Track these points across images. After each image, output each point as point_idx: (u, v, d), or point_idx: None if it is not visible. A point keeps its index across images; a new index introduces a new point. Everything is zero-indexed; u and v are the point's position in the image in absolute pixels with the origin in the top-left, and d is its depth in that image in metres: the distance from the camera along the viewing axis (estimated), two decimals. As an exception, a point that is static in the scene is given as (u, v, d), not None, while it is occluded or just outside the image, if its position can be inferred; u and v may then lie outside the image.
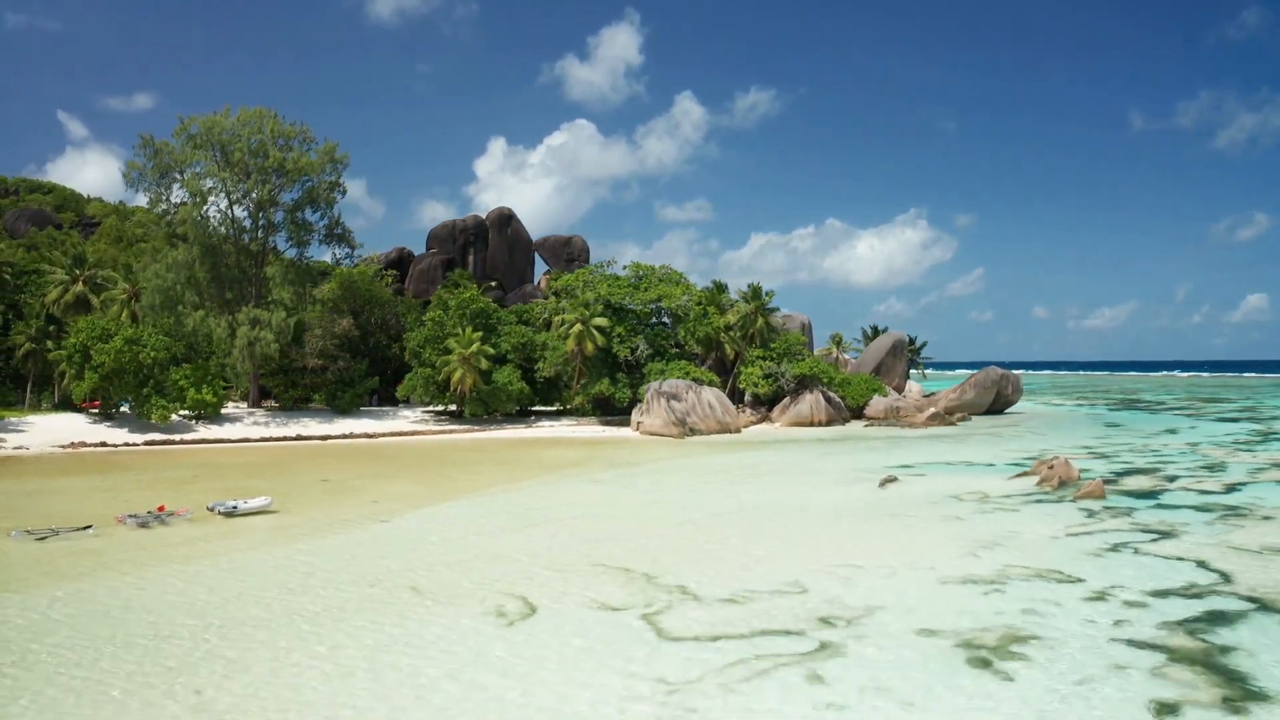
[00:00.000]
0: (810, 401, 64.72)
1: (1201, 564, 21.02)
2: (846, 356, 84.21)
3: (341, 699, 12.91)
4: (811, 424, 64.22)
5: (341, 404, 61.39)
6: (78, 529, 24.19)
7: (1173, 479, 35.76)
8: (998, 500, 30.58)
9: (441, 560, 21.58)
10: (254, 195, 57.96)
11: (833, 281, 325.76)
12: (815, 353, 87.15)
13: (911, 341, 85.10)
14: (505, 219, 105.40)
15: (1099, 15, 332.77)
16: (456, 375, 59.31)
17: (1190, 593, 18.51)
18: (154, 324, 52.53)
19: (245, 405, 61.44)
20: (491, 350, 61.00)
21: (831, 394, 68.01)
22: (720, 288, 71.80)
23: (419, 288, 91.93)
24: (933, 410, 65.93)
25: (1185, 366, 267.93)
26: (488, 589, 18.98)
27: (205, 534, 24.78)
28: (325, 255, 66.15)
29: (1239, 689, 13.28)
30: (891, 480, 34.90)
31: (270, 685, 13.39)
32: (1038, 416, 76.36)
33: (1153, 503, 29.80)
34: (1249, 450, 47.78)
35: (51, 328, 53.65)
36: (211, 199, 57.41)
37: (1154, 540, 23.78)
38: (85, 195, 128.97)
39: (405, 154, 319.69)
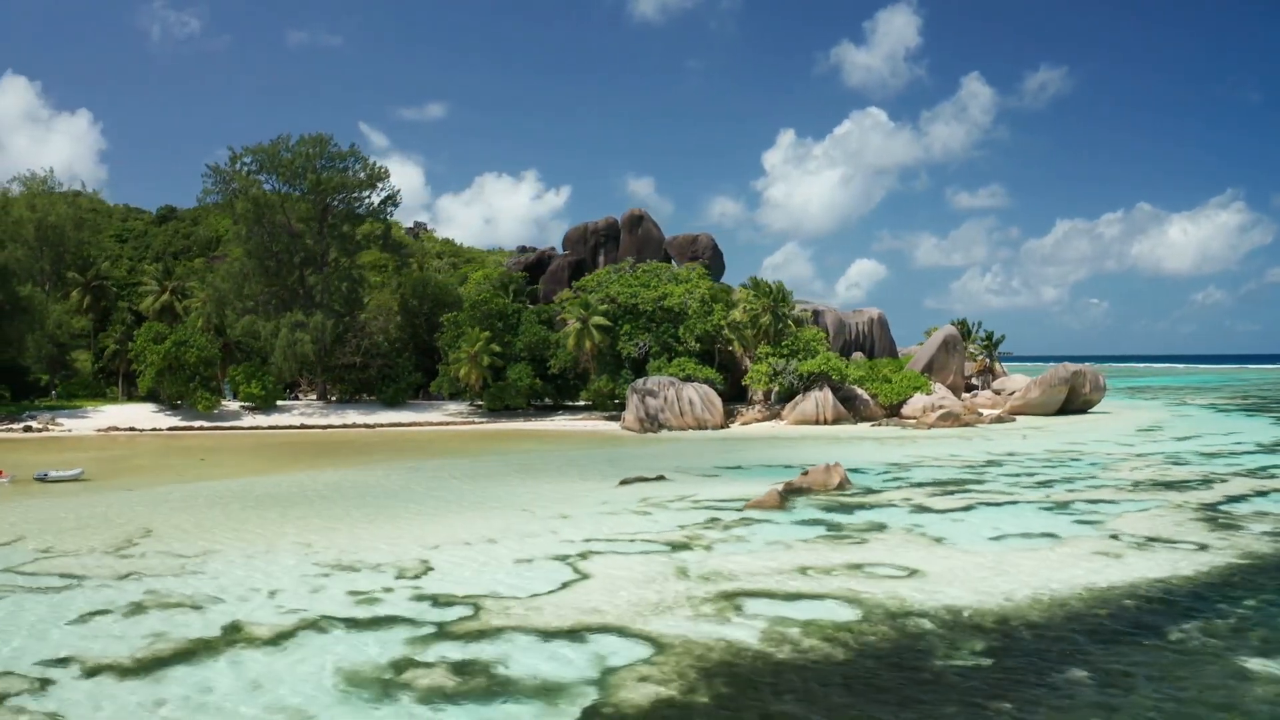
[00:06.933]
0: (817, 399, 61.58)
1: (584, 576, 19.89)
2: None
3: None
4: (817, 422, 61.08)
5: (386, 397, 70.05)
6: None
7: (953, 491, 30.94)
8: (680, 505, 29.35)
9: (64, 515, 27.11)
10: (303, 211, 68.55)
11: (1142, 269, 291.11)
12: (902, 351, 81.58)
13: (989, 336, 76.36)
14: (636, 219, 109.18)
15: None
16: (464, 371, 65.22)
17: (446, 601, 17.60)
18: (211, 328, 64.85)
19: (313, 397, 72.50)
20: (498, 348, 66.02)
21: (859, 391, 64.22)
22: (757, 284, 70.32)
23: (548, 289, 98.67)
24: (944, 411, 59.27)
25: None
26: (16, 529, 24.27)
27: (-14, 493, 32.81)
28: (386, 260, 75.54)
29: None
30: (642, 480, 34.39)
31: None
32: (1096, 418, 65.14)
33: (805, 517, 26.52)
34: (1199, 464, 38.24)
35: (137, 331, 68.21)
36: (266, 215, 68.78)
37: (664, 551, 21.92)
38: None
39: (689, 151, 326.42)
